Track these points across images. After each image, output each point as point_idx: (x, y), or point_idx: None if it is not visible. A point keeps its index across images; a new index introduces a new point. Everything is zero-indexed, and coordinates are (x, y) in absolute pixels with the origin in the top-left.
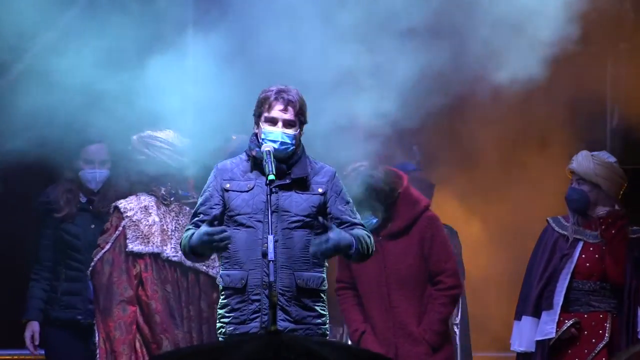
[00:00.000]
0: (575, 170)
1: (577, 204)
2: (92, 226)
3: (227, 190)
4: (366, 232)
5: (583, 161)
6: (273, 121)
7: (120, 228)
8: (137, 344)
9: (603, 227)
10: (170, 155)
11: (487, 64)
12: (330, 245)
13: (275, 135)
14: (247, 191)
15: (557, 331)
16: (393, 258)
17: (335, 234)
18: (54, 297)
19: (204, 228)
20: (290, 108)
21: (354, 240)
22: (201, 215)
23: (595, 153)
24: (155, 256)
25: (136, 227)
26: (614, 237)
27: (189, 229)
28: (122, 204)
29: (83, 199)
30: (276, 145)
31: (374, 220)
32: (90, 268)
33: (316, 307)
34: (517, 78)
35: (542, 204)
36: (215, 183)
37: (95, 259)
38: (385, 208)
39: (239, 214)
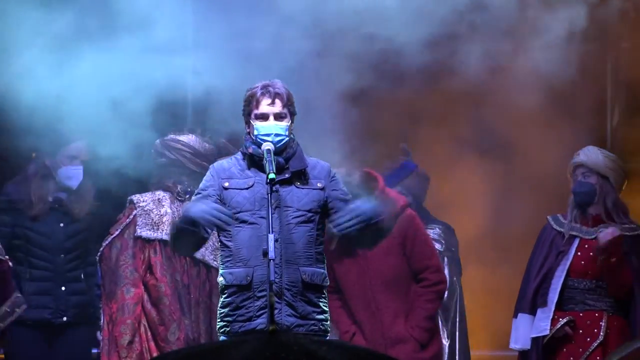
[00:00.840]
0: (585, 163)
1: (585, 197)
2: (61, 225)
3: (226, 189)
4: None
5: (591, 154)
6: (264, 117)
7: (132, 217)
8: (142, 328)
9: (603, 257)
10: (191, 158)
11: (487, 59)
12: (366, 211)
13: (268, 129)
14: (246, 188)
15: (551, 329)
16: (376, 260)
17: (360, 202)
18: None
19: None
20: (277, 100)
21: (374, 207)
22: None
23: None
24: (165, 243)
25: (147, 215)
26: (616, 265)
27: None
28: (136, 196)
29: (50, 198)
30: (270, 139)
31: None
32: (99, 253)
33: (320, 303)
34: (517, 75)
35: (541, 202)
36: (213, 182)
37: (103, 244)
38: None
39: (240, 211)
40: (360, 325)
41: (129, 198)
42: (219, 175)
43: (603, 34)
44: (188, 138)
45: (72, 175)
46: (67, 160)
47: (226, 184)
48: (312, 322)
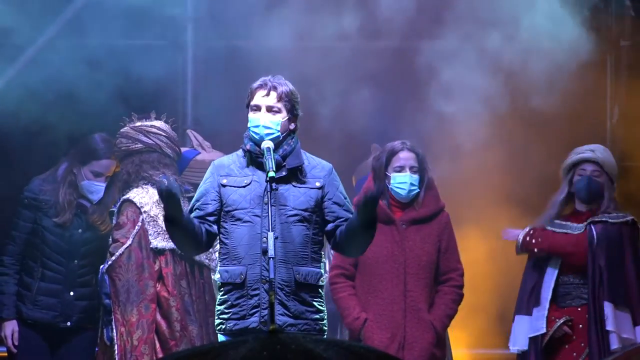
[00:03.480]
0: (599, 160)
1: (595, 196)
2: (79, 230)
3: (223, 186)
4: None
5: (605, 153)
6: (257, 108)
7: (140, 223)
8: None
9: (521, 252)
10: (167, 143)
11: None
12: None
13: (257, 121)
14: (243, 186)
15: (548, 330)
16: (412, 243)
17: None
18: (28, 295)
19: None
20: (272, 93)
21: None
22: (197, 211)
23: None
24: (172, 251)
25: (155, 222)
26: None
27: None
28: (135, 197)
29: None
30: (259, 131)
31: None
32: (110, 262)
33: (314, 303)
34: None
35: (537, 202)
36: (212, 179)
37: (116, 254)
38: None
39: (236, 209)
40: (382, 303)
41: (124, 197)
42: (218, 172)
43: (603, 34)
44: (160, 123)
45: (94, 190)
46: (91, 175)
47: (224, 181)
48: (305, 321)
